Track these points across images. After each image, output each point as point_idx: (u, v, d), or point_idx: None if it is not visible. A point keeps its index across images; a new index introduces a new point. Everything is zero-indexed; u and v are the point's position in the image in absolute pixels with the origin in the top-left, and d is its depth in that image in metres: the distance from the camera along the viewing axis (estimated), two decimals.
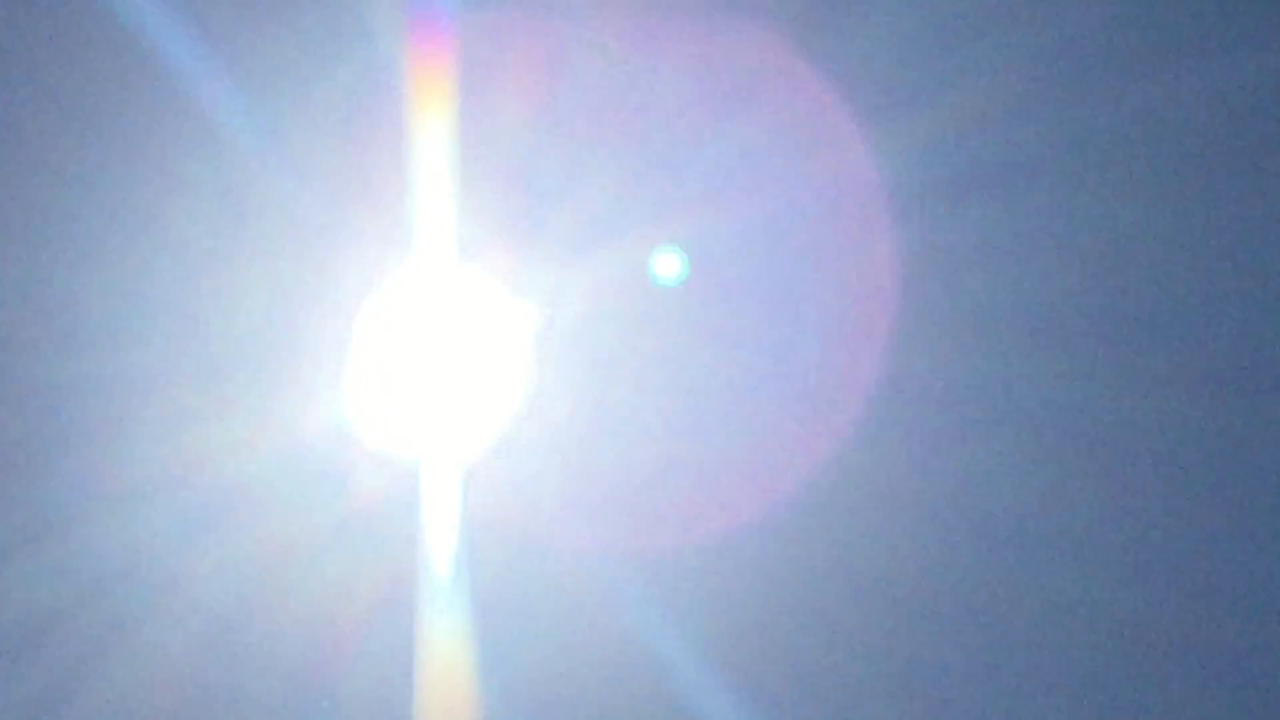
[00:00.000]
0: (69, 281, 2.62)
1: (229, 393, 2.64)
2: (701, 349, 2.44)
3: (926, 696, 2.70)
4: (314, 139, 2.47)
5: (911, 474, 2.47)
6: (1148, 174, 2.51)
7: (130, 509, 2.62)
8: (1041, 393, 2.51)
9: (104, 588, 2.55)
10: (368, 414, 2.61)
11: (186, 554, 2.61)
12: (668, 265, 2.37)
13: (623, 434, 2.47)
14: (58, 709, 2.48)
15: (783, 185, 2.49)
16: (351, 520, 2.58)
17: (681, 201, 2.32)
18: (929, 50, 2.53)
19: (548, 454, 2.48)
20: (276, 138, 2.46)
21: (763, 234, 2.42)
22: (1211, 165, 2.54)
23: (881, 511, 2.51)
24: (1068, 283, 2.50)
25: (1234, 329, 2.58)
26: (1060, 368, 2.49)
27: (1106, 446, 2.46)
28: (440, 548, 2.56)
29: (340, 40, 2.37)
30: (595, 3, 2.17)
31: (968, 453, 2.47)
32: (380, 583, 2.56)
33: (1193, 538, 2.63)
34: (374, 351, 2.60)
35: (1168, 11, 2.47)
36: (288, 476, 2.63)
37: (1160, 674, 2.57)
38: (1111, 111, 2.50)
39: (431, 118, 2.31)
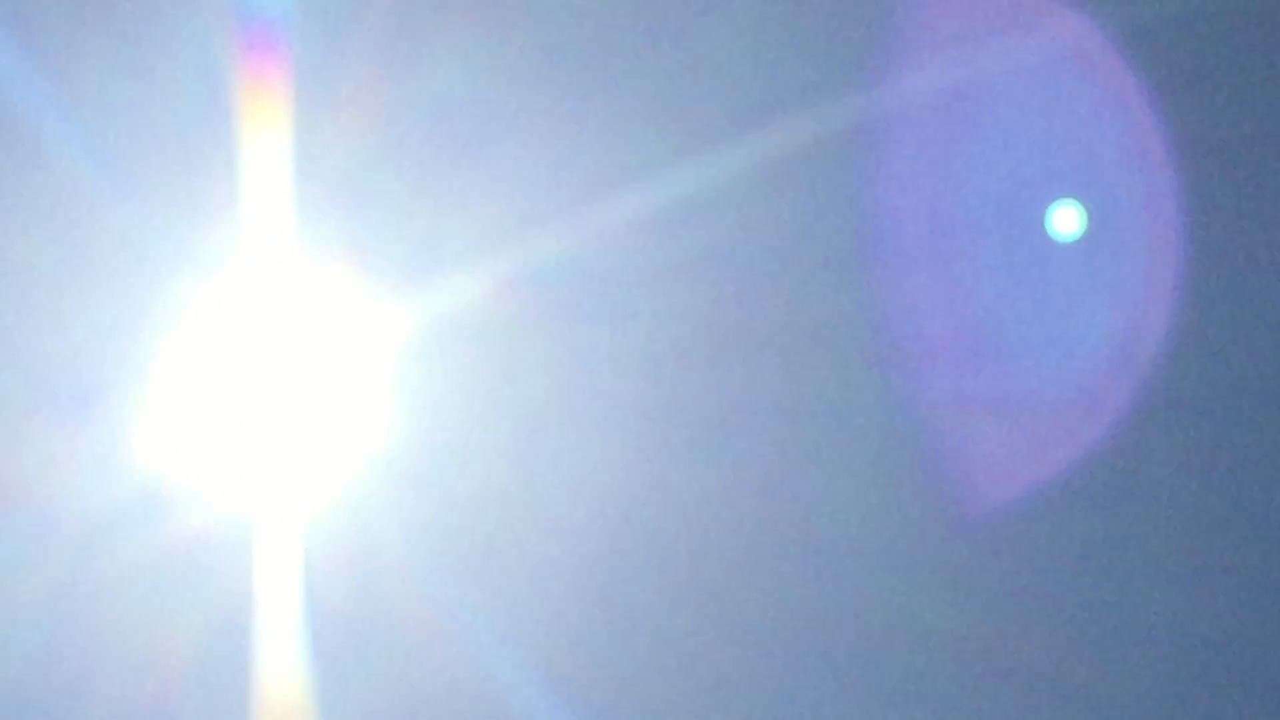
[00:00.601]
0: None
1: (59, 414, 2.51)
2: (535, 362, 2.39)
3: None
4: (148, 151, 2.39)
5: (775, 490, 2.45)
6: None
7: None
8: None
9: None
10: (202, 434, 2.50)
11: (12, 577, 2.46)
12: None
13: (459, 451, 2.40)
14: None
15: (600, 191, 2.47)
16: (187, 543, 2.46)
17: (511, 212, 2.29)
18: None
19: (385, 470, 2.41)
20: (110, 150, 2.37)
21: (585, 246, 2.39)
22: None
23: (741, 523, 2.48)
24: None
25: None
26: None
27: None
28: (277, 572, 2.45)
29: (173, 51, 2.31)
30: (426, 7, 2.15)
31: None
32: (216, 606, 2.44)
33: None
34: (208, 369, 2.49)
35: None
36: (119, 498, 2.50)
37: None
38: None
39: (267, 131, 2.25)
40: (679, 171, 2.38)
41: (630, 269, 2.36)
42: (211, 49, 2.30)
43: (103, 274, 2.39)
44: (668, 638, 2.44)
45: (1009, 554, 2.46)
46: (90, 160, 2.35)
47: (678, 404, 2.44)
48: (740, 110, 2.44)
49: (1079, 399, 2.20)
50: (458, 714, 2.35)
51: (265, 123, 2.33)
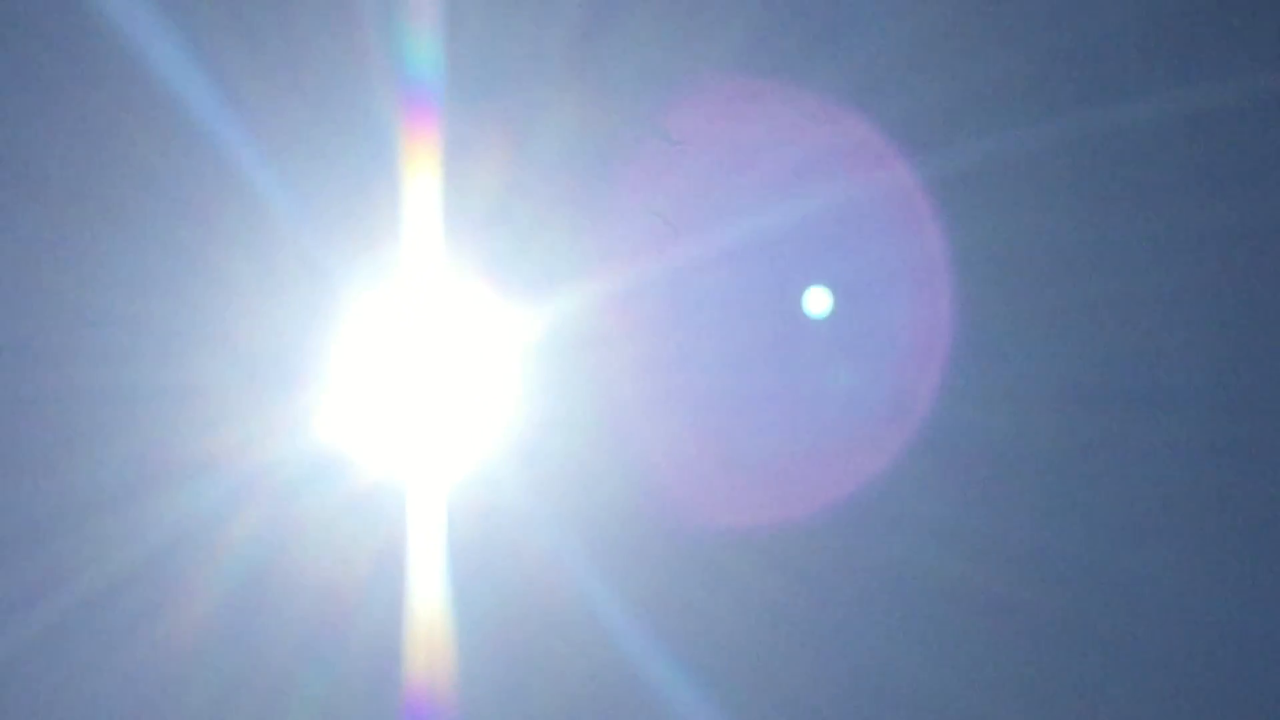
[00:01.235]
0: (105, 302, 3.17)
1: (258, 396, 3.19)
2: (662, 364, 3.04)
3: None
4: (333, 186, 3.04)
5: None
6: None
7: (160, 498, 3.16)
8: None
9: (154, 555, 3.09)
10: (368, 416, 3.17)
11: (215, 531, 3.16)
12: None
13: (587, 440, 3.06)
14: (104, 664, 3.02)
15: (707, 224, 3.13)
16: (354, 495, 3.13)
17: (616, 239, 2.94)
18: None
19: (522, 455, 3.06)
20: (305, 187, 3.03)
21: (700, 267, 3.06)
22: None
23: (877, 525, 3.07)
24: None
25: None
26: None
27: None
28: (423, 521, 3.11)
29: (353, 106, 2.97)
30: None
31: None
32: (376, 544, 3.12)
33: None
34: (375, 361, 3.16)
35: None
36: (305, 461, 3.18)
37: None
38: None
39: (422, 171, 2.90)
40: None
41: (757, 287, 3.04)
42: (381, 107, 2.94)
43: (294, 285, 3.06)
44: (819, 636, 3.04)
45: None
46: (290, 195, 3.01)
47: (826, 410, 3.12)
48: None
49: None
50: (577, 646, 3.00)
51: (420, 165, 2.98)
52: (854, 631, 3.28)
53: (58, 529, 3.05)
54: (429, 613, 3.08)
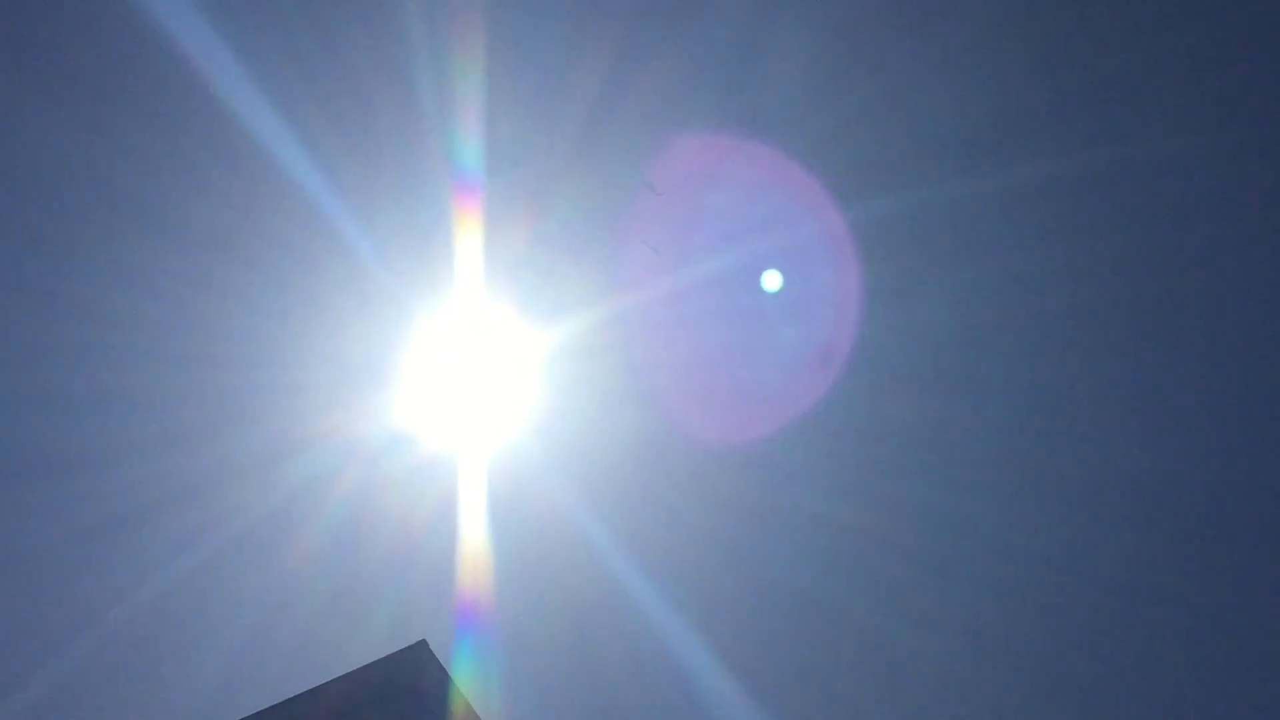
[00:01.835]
0: (249, 328, 4.42)
1: (340, 393, 4.42)
2: (678, 365, 4.38)
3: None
4: (402, 236, 4.28)
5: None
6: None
7: (284, 465, 4.39)
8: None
9: (282, 504, 4.33)
10: (429, 405, 4.42)
11: (323, 486, 4.40)
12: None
13: (589, 416, 4.39)
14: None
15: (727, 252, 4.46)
16: (420, 464, 4.38)
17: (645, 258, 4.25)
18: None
19: (541, 431, 4.37)
20: (378, 238, 4.26)
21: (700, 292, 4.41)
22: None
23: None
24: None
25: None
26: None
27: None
28: (472, 483, 4.35)
29: (419, 187, 4.19)
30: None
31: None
32: (436, 496, 4.36)
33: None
34: (433, 366, 4.41)
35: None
36: (378, 443, 4.42)
37: None
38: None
39: (470, 233, 4.14)
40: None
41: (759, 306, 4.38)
42: (440, 189, 4.19)
43: (376, 312, 4.31)
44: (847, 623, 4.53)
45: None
46: (374, 247, 4.24)
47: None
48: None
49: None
50: (581, 563, 4.33)
51: (467, 222, 4.22)
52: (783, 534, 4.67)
53: (215, 484, 4.31)
54: (474, 543, 4.34)
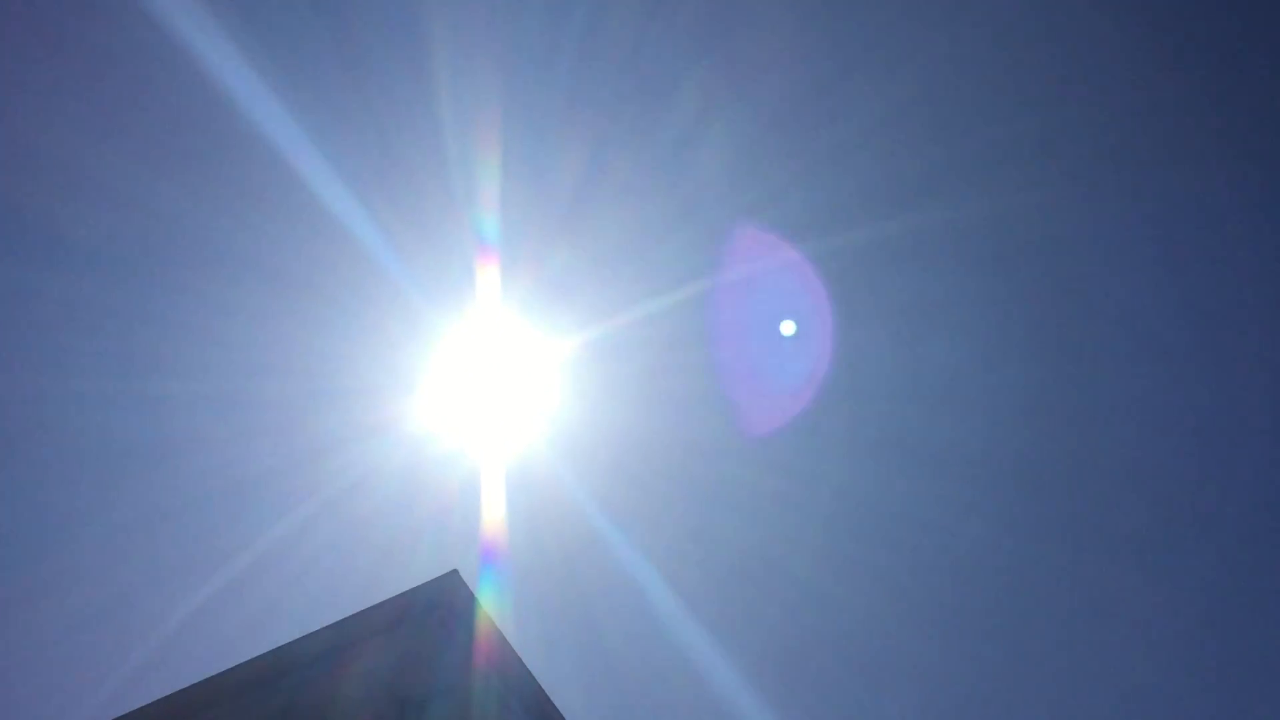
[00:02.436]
0: (298, 351, 6.14)
1: (377, 398, 6.12)
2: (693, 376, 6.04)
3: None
4: (438, 282, 5.99)
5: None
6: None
7: (329, 458, 6.11)
8: None
9: (330, 495, 6.04)
10: (456, 406, 6.14)
11: (364, 474, 6.11)
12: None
13: (594, 414, 6.05)
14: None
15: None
16: (448, 455, 6.08)
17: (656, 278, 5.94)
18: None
19: (555, 428, 6.04)
20: (420, 279, 5.96)
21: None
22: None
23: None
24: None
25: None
26: None
27: None
28: (492, 474, 6.04)
29: (449, 247, 5.90)
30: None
31: None
32: (461, 480, 6.05)
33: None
34: (460, 376, 6.11)
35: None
36: (413, 436, 6.12)
37: None
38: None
39: (490, 282, 5.83)
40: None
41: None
42: (466, 250, 5.87)
43: (413, 334, 6.02)
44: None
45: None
46: (416, 285, 5.94)
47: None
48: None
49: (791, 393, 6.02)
50: (581, 532, 5.98)
51: (488, 276, 5.91)
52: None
53: (275, 476, 6.00)
54: (494, 509, 6.02)
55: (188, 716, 5.62)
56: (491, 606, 5.88)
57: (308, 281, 5.79)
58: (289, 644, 5.68)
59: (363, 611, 5.81)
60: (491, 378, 6.05)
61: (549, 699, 5.79)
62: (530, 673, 5.83)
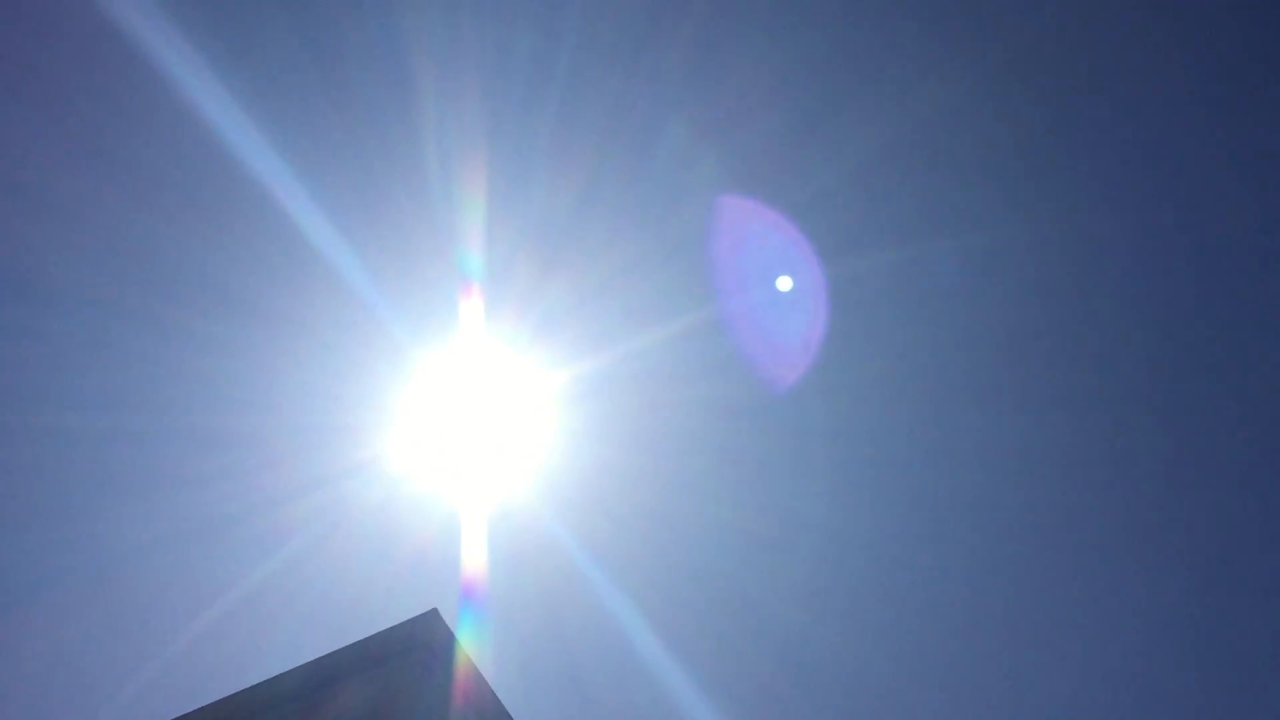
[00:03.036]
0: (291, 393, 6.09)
1: (370, 434, 6.08)
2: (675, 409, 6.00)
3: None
4: (424, 323, 5.96)
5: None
6: None
7: (276, 514, 6.04)
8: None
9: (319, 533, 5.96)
10: (438, 439, 6.08)
11: (350, 502, 6.05)
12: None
13: (610, 479, 6.00)
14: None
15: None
16: (431, 492, 6.01)
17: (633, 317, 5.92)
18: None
19: (540, 465, 5.99)
20: (406, 321, 5.94)
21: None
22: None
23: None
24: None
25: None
26: None
27: None
28: (474, 502, 5.97)
29: (434, 282, 5.88)
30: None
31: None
32: (440, 514, 5.98)
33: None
34: (445, 411, 6.06)
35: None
36: (397, 473, 6.06)
37: None
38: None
39: (473, 313, 5.81)
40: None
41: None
42: (449, 285, 5.85)
43: (401, 374, 5.97)
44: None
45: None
46: (402, 328, 5.92)
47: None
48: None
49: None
50: (555, 559, 5.90)
51: (472, 310, 5.88)
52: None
53: (254, 512, 5.91)
54: (475, 546, 5.94)
55: None
56: (471, 646, 5.78)
57: (288, 316, 5.79)
58: (263, 683, 5.57)
59: (339, 650, 5.71)
60: (473, 414, 6.01)
61: None
62: (509, 714, 5.72)
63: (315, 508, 6.07)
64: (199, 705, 5.75)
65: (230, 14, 5.96)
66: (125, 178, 6.61)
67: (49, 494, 6.84)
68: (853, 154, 7.00)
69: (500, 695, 5.66)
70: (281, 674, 5.59)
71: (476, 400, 6.02)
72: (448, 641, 5.76)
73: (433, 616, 5.75)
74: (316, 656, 5.65)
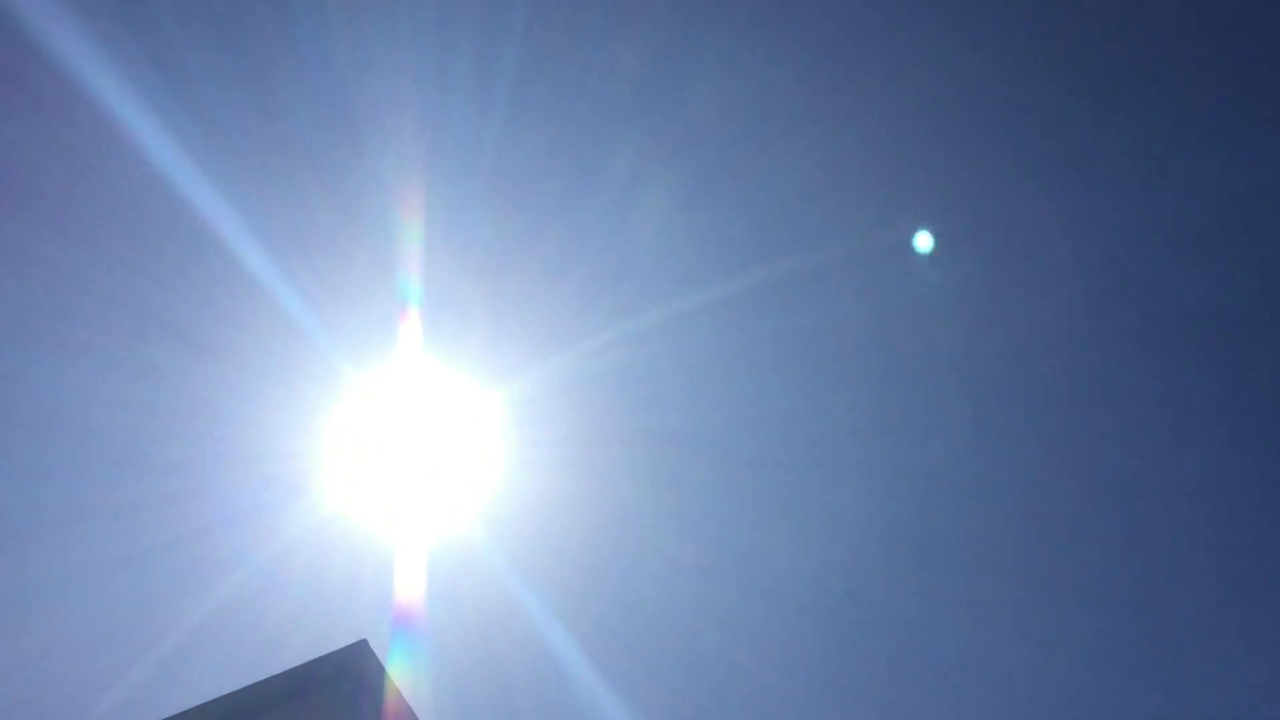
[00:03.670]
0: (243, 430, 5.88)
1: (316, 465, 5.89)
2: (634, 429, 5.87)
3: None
4: (366, 355, 5.80)
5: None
6: None
7: (203, 542, 5.84)
8: None
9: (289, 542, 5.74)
10: (369, 470, 5.91)
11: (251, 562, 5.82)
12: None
13: (549, 508, 5.85)
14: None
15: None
16: (364, 517, 5.83)
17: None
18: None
19: (486, 492, 5.83)
20: (353, 340, 5.77)
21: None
22: None
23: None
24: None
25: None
26: None
27: None
28: (418, 523, 5.80)
29: (374, 312, 5.74)
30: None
31: None
32: (387, 544, 5.79)
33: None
34: (375, 438, 5.90)
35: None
36: (340, 498, 5.88)
37: None
38: None
39: (410, 336, 5.67)
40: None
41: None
42: (390, 313, 5.71)
43: (341, 410, 5.80)
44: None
45: None
46: (352, 364, 5.75)
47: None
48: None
49: None
50: (493, 586, 5.72)
51: (410, 335, 5.75)
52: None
53: (182, 542, 5.69)
54: (409, 571, 5.76)
55: None
56: (403, 678, 5.57)
57: (217, 342, 5.58)
58: (179, 714, 5.30)
59: (262, 681, 5.46)
60: (409, 441, 5.85)
61: None
62: None
63: (244, 536, 5.84)
64: None
65: (152, 30, 5.78)
66: (45, 202, 6.39)
67: None
68: (815, 166, 7.02)
69: None
70: (202, 704, 5.33)
71: (412, 426, 5.87)
72: (378, 673, 5.56)
73: (362, 647, 5.54)
74: (238, 688, 5.40)
